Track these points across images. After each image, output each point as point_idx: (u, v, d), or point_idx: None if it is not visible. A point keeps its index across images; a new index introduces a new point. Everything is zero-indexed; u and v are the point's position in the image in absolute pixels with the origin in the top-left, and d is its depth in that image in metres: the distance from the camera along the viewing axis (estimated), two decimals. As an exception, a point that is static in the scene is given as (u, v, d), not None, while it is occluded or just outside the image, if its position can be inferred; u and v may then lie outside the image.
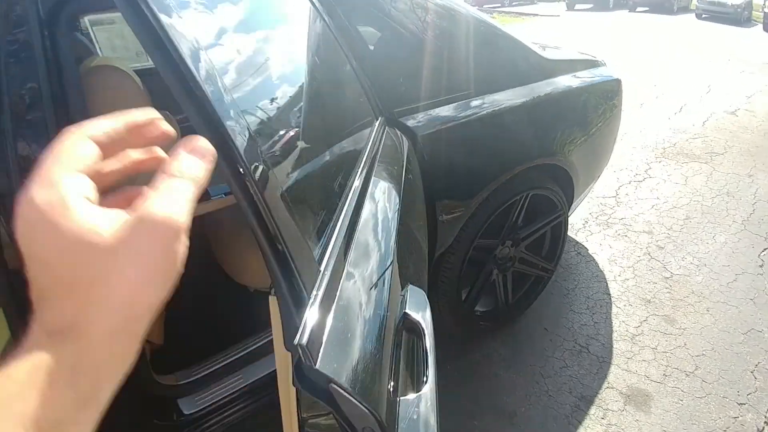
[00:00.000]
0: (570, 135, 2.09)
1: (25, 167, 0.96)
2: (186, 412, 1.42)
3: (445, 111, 1.70)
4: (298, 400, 0.69)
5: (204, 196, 1.67)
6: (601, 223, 3.04)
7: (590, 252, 2.74)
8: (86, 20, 2.63)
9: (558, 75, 2.10)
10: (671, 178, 3.63)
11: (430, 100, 1.67)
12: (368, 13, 1.68)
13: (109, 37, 2.69)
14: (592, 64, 2.38)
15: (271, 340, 1.58)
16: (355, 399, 0.60)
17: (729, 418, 1.80)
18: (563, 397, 1.86)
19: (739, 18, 14.73)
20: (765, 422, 1.79)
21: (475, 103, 1.78)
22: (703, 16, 15.18)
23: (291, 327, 0.67)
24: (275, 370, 1.52)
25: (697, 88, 6.20)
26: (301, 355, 0.60)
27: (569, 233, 2.90)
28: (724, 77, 6.86)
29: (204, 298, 1.92)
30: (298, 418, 0.70)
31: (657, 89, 6.08)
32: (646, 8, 16.68)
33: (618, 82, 2.38)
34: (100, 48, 2.60)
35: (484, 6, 19.93)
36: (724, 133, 4.59)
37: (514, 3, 21.04)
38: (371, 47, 1.66)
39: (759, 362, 2.03)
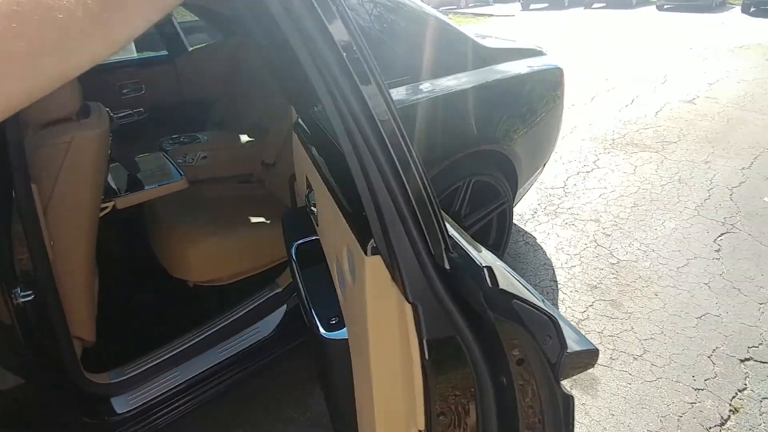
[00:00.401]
0: (512, 122, 2.13)
1: None
2: (119, 411, 1.40)
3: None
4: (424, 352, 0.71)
5: (137, 186, 1.65)
6: (549, 213, 3.11)
7: (538, 241, 2.80)
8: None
9: (498, 63, 2.15)
10: (619, 168, 3.74)
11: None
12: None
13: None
14: (534, 53, 2.43)
15: (213, 333, 1.57)
16: (537, 309, 0.61)
17: (684, 403, 1.78)
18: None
19: (710, 3, 14.79)
20: (731, 410, 1.76)
21: (410, 89, 1.80)
22: (666, 6, 15.39)
23: (414, 279, 0.69)
24: (217, 364, 1.52)
25: (651, 79, 6.38)
26: (487, 278, 0.63)
27: (518, 223, 2.98)
28: (684, 66, 7.07)
29: (140, 293, 1.89)
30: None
31: (609, 83, 6.27)
32: (603, 4, 17.11)
33: (559, 70, 2.44)
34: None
35: (440, 8, 20.21)
36: (679, 122, 4.73)
37: (470, 4, 21.37)
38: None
39: (717, 347, 2.02)
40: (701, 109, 5.15)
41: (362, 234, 0.78)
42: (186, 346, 1.55)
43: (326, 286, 1.09)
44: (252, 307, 1.67)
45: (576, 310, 2.26)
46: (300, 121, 1.40)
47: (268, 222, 1.88)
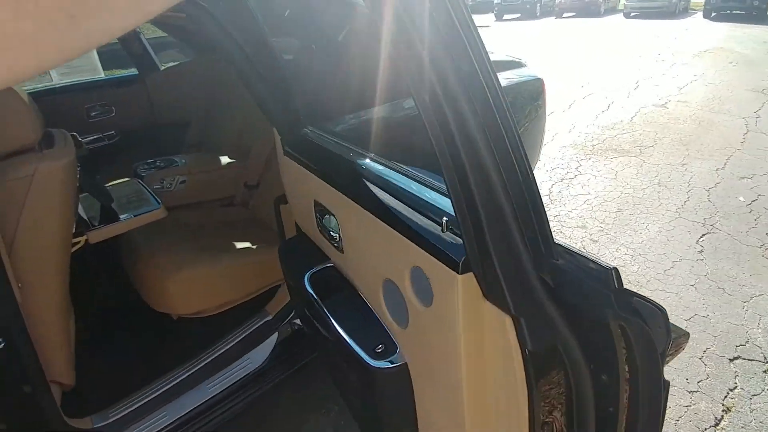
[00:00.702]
0: None
1: None
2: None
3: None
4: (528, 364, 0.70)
5: (111, 217, 1.56)
6: (538, 221, 3.14)
7: (528, 250, 2.81)
8: None
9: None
10: (601, 174, 3.79)
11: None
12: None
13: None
14: (514, 64, 2.45)
15: (202, 367, 1.49)
16: (650, 303, 0.64)
17: (680, 407, 1.78)
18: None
19: (674, 10, 15.31)
20: (723, 410, 1.77)
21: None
22: (632, 14, 15.90)
23: (517, 292, 0.68)
24: (209, 400, 1.45)
25: (624, 85, 6.53)
26: (615, 280, 0.62)
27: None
28: (653, 72, 7.26)
29: (121, 330, 1.79)
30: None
31: (584, 90, 6.41)
32: (573, 13, 17.63)
33: (540, 81, 2.46)
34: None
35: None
36: (654, 126, 4.84)
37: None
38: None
39: (707, 348, 2.04)
40: (674, 112, 5.29)
41: (446, 253, 0.74)
42: (173, 383, 1.47)
43: (357, 314, 1.04)
44: (242, 337, 1.60)
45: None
46: (288, 144, 1.35)
47: (254, 247, 1.82)
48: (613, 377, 0.70)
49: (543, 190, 3.52)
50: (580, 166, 3.97)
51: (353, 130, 1.44)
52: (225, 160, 2.32)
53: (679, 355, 1.95)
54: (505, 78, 2.25)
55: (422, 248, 0.79)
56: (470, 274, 0.72)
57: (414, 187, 0.91)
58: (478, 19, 19.15)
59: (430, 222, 0.81)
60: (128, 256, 1.78)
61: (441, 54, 0.63)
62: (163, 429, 1.40)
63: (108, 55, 2.82)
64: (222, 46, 1.29)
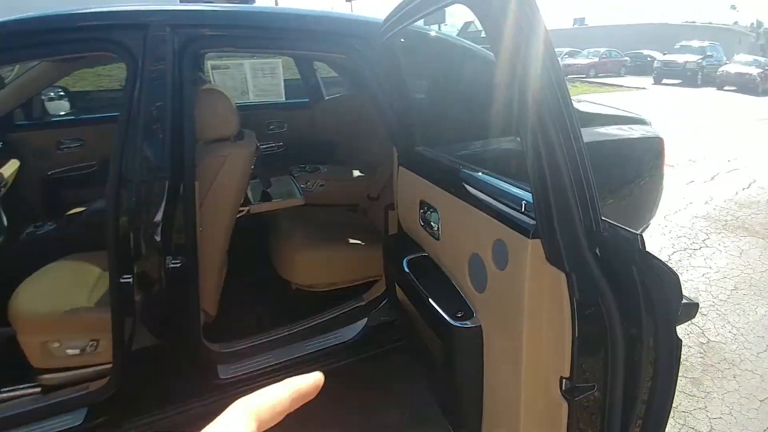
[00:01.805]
0: (601, 180, 2.09)
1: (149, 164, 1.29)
2: (222, 377, 1.61)
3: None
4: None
5: (267, 198, 1.93)
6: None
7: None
8: (209, 64, 3.22)
9: (591, 126, 2.14)
10: (727, 250, 3.40)
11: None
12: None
13: (223, 78, 3.27)
14: (634, 120, 2.38)
15: (304, 329, 1.75)
16: (666, 267, 0.80)
17: None
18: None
19: None
20: None
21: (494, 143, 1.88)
22: None
23: (572, 253, 0.86)
24: (303, 355, 1.69)
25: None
26: (640, 243, 0.80)
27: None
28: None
29: (252, 286, 2.15)
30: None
31: (730, 164, 5.71)
32: (734, 88, 15.74)
33: (660, 140, 2.35)
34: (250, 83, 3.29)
35: (568, 76, 19.93)
36: (793, 212, 4.19)
37: (600, 74, 20.77)
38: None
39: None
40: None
41: (522, 226, 0.95)
42: (281, 335, 1.74)
43: (443, 289, 1.26)
44: (339, 313, 1.83)
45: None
46: (404, 158, 1.57)
47: (364, 245, 2.07)
48: (638, 330, 0.84)
49: (663, 255, 3.24)
50: (708, 239, 3.57)
51: (455, 152, 1.62)
52: (356, 174, 2.65)
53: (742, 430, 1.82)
54: (621, 131, 2.22)
55: (505, 224, 0.99)
56: (538, 241, 0.90)
57: (498, 184, 1.13)
58: (637, 81, 18.02)
59: (511, 207, 1.02)
60: (271, 233, 2.16)
61: (543, 105, 0.83)
62: (266, 368, 1.66)
63: (290, 85, 3.46)
64: (367, 83, 1.57)
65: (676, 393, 1.98)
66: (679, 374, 2.08)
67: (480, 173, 1.22)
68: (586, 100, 2.42)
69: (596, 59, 21.37)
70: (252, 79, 3.21)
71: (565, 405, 0.88)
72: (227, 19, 1.50)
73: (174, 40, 1.32)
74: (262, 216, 2.14)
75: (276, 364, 1.68)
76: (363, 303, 1.87)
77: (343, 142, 3.21)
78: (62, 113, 2.82)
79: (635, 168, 2.26)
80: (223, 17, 1.50)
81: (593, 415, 0.91)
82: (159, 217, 1.33)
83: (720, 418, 1.94)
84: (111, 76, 3.90)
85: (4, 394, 1.45)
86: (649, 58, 21.80)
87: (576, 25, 42.73)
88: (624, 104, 9.68)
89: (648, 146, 2.32)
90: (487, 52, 1.86)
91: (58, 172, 2.66)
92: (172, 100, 1.31)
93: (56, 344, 1.49)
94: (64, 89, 2.86)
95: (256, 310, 2.00)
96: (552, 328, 0.90)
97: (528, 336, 0.93)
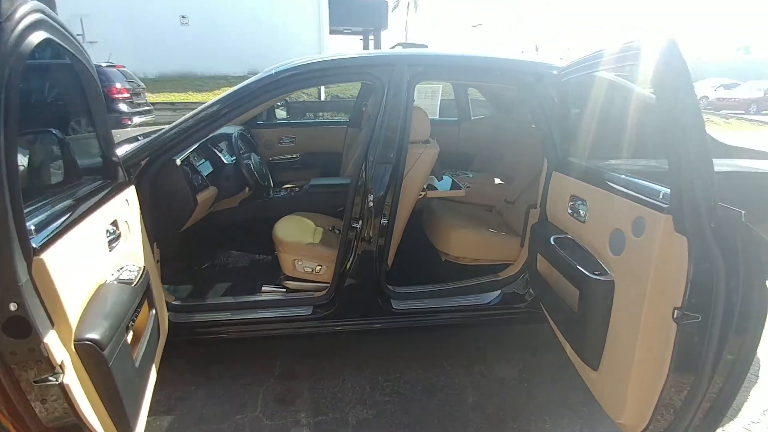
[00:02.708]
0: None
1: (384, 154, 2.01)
2: (395, 308, 2.25)
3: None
4: None
5: (436, 188, 2.56)
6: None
7: None
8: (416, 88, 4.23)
9: (736, 159, 2.35)
10: None
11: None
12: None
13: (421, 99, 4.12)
14: None
15: (452, 289, 2.32)
16: (759, 236, 1.23)
17: None
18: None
19: None
20: None
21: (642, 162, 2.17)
22: None
23: (694, 224, 1.26)
24: (451, 306, 2.26)
25: None
26: (742, 217, 1.23)
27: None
28: None
29: (417, 249, 2.79)
30: None
31: None
32: None
33: None
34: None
35: (721, 111, 17.87)
36: None
37: (762, 111, 18.26)
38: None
39: None
40: None
41: (661, 206, 1.36)
42: (435, 289, 2.33)
43: (583, 258, 1.71)
44: (477, 283, 2.36)
45: None
46: (557, 166, 2.08)
47: (504, 235, 2.60)
48: (737, 281, 1.22)
49: None
50: None
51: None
52: (497, 181, 3.19)
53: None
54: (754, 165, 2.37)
55: (645, 206, 1.43)
56: (670, 216, 1.29)
57: (639, 182, 1.56)
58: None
59: (649, 196, 1.44)
60: (429, 217, 2.80)
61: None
62: (422, 309, 2.26)
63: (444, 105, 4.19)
64: (533, 109, 2.12)
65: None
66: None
67: (624, 175, 1.67)
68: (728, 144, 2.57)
69: (761, 93, 18.80)
70: (416, 100, 4.01)
71: (674, 327, 1.28)
72: (443, 60, 2.28)
73: (408, 74, 2.02)
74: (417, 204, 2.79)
75: (431, 308, 2.28)
76: (498, 279, 2.38)
77: (480, 155, 3.78)
78: (283, 118, 3.88)
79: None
80: (442, 59, 2.27)
81: (695, 336, 1.26)
82: (382, 190, 2.02)
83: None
84: (309, 94, 5.10)
85: (269, 288, 2.28)
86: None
87: (739, 54, 37.68)
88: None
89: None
90: (630, 84, 2.26)
91: (277, 158, 3.68)
92: (405, 112, 2.02)
93: (300, 262, 2.28)
94: (285, 101, 3.92)
95: (417, 269, 2.63)
96: (674, 276, 1.29)
97: (653, 281, 1.34)
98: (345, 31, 27.47)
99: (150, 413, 1.66)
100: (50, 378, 1.02)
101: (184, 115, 2.02)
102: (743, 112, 18.00)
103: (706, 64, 31.47)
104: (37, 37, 1.07)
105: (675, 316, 1.27)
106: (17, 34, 0.98)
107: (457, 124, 4.04)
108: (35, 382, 1.03)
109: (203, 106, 2.03)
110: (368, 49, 26.92)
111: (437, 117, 4.21)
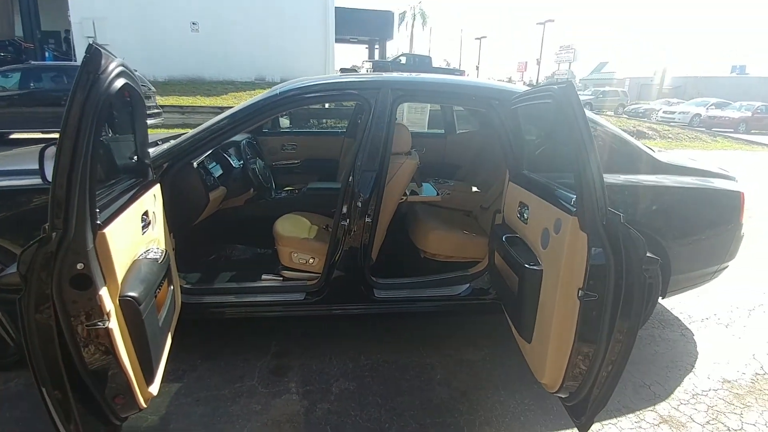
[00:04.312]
0: (664, 218, 2.56)
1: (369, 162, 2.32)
2: (376, 296, 2.56)
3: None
4: None
5: (416, 194, 2.90)
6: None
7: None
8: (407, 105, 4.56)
9: (669, 174, 2.62)
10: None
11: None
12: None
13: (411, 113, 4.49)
14: (715, 175, 2.76)
15: (427, 281, 2.65)
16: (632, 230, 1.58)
17: None
18: None
19: None
20: None
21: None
22: None
23: (593, 223, 1.66)
24: (424, 297, 2.59)
25: None
26: (621, 217, 1.66)
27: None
28: None
29: (400, 247, 3.12)
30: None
31: None
32: None
33: (738, 195, 2.68)
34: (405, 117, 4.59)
35: (712, 129, 18.22)
36: None
37: (753, 131, 18.64)
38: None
39: None
40: None
41: (570, 209, 1.71)
42: (413, 281, 2.65)
43: (523, 250, 2.07)
44: (449, 277, 2.68)
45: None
46: (514, 176, 2.43)
47: (476, 236, 2.93)
48: (621, 266, 1.55)
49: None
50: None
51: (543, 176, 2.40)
52: (474, 189, 3.53)
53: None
54: (698, 182, 2.68)
55: (562, 210, 1.78)
56: (576, 218, 1.64)
57: (560, 191, 1.92)
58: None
59: (566, 202, 1.79)
60: (412, 219, 3.13)
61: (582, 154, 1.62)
62: (402, 298, 2.57)
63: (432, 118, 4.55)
64: (496, 127, 2.45)
65: (715, 398, 2.41)
66: (725, 389, 2.52)
67: (554, 185, 2.03)
68: (665, 151, 2.91)
69: (749, 113, 19.22)
70: (407, 114, 4.36)
71: (578, 304, 1.62)
72: (421, 84, 2.61)
73: (391, 96, 2.36)
74: (400, 208, 3.12)
75: (408, 297, 2.60)
76: (468, 273, 2.70)
77: (464, 166, 4.12)
78: (286, 127, 4.23)
79: (710, 215, 2.69)
80: (420, 83, 2.59)
81: (593, 311, 1.60)
82: (367, 194, 2.35)
83: (754, 425, 2.22)
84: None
85: (268, 276, 2.61)
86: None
87: (734, 74, 38.22)
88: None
89: (722, 197, 2.70)
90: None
91: (279, 163, 4.02)
92: (388, 128, 2.35)
93: (295, 254, 2.61)
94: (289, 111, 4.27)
95: (398, 263, 2.95)
96: (579, 264, 1.64)
97: (564, 268, 1.70)
98: (351, 39, 27.93)
99: (163, 380, 1.95)
100: (98, 323, 1.35)
101: (192, 117, 2.37)
102: (732, 130, 18.40)
103: (701, 83, 32.01)
104: (120, 83, 1.46)
105: (579, 295, 1.60)
106: (108, 82, 1.37)
107: (443, 137, 4.39)
108: (87, 325, 1.35)
109: (217, 118, 2.37)
110: (373, 57, 27.43)
111: (426, 130, 4.57)
